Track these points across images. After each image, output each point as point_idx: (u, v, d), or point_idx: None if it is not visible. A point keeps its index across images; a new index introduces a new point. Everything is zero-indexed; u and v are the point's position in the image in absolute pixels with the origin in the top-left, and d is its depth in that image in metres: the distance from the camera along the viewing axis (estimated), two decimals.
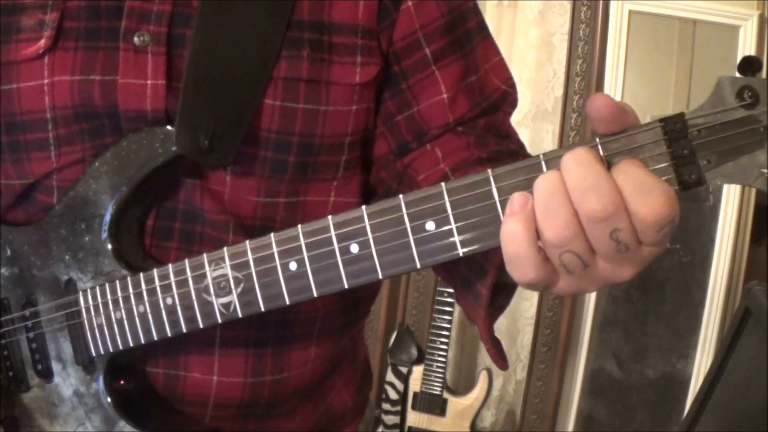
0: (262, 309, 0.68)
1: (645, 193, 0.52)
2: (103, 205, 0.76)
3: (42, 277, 0.80)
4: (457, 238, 0.59)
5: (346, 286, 0.63)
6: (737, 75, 0.53)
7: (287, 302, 0.66)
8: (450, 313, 2.38)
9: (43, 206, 0.80)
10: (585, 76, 2.41)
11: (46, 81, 0.75)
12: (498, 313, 0.70)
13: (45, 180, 0.79)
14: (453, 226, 0.59)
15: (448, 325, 2.38)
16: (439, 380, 2.42)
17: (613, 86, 2.37)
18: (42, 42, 0.75)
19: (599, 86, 2.39)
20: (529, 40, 2.54)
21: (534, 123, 2.54)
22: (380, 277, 0.62)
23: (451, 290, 2.36)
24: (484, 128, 0.83)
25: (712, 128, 0.53)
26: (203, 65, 0.73)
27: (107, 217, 0.76)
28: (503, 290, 0.69)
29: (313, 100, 0.77)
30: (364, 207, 0.62)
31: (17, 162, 0.79)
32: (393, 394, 2.46)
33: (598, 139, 0.55)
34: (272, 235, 0.66)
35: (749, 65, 0.53)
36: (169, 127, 0.74)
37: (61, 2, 0.75)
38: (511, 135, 0.86)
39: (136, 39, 0.74)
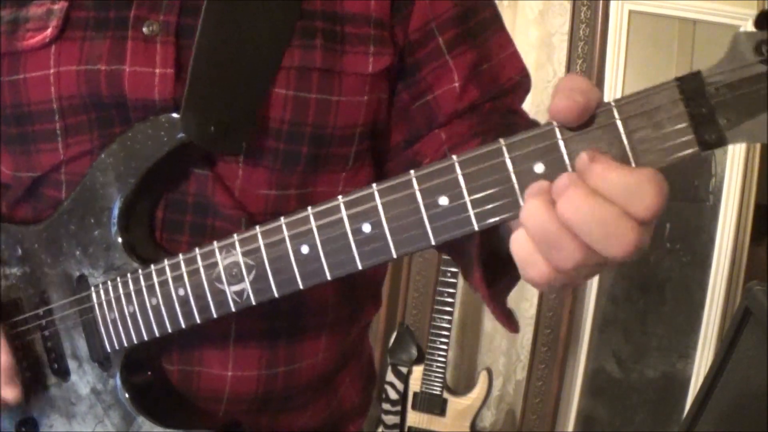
0: (276, 295, 0.67)
1: (635, 195, 0.50)
2: (112, 197, 0.75)
3: (54, 275, 0.79)
4: (471, 212, 0.57)
5: (360, 267, 0.62)
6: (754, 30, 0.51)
7: (301, 286, 0.65)
8: (450, 313, 2.38)
9: (52, 202, 0.79)
10: (585, 76, 2.41)
11: (52, 71, 0.75)
12: (505, 291, 0.71)
13: (53, 174, 0.79)
14: (467, 199, 0.57)
15: (448, 325, 2.38)
16: (439, 380, 2.42)
17: (613, 86, 2.37)
18: (48, 31, 0.74)
19: (599, 86, 2.39)
20: (529, 40, 2.53)
21: None
22: (394, 256, 0.61)
23: (451, 290, 2.36)
24: (489, 110, 0.83)
25: (731, 85, 0.51)
26: (211, 52, 0.73)
27: (116, 210, 0.75)
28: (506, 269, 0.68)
29: (326, 90, 0.76)
30: (374, 184, 0.60)
31: (26, 154, 0.79)
32: (393, 394, 2.46)
33: (612, 102, 0.53)
34: (282, 218, 0.65)
35: (767, 20, 0.50)
36: (174, 115, 0.73)
37: None
38: (518, 111, 0.85)
39: (144, 28, 0.74)
